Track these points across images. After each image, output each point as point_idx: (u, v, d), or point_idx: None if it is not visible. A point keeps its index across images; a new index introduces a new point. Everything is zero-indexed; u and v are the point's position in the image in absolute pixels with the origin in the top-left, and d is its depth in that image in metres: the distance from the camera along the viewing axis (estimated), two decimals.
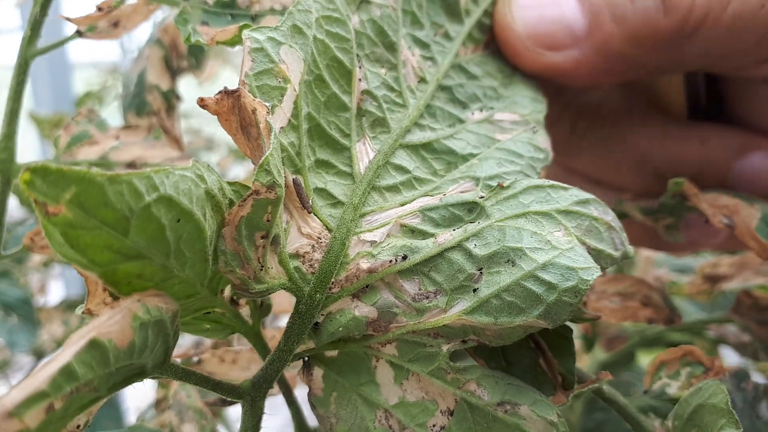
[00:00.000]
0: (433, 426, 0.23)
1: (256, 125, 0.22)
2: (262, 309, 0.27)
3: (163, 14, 0.44)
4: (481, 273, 0.23)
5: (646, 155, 0.34)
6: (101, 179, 0.16)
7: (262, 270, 0.22)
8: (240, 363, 0.35)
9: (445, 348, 0.23)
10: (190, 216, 0.19)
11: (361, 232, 0.25)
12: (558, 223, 0.24)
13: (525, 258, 0.22)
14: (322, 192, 0.25)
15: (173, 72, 0.41)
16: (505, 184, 0.25)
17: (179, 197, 0.18)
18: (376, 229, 0.25)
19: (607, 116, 0.35)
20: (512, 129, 0.28)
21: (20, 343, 0.73)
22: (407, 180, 0.26)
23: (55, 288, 1.26)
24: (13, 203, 0.46)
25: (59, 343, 0.83)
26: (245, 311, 0.26)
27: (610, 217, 0.24)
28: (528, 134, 0.28)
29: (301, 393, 0.28)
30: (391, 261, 0.24)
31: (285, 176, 0.24)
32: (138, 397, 0.36)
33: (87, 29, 0.34)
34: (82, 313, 0.21)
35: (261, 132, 0.21)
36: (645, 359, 0.65)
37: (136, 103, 0.38)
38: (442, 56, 0.29)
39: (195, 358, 0.34)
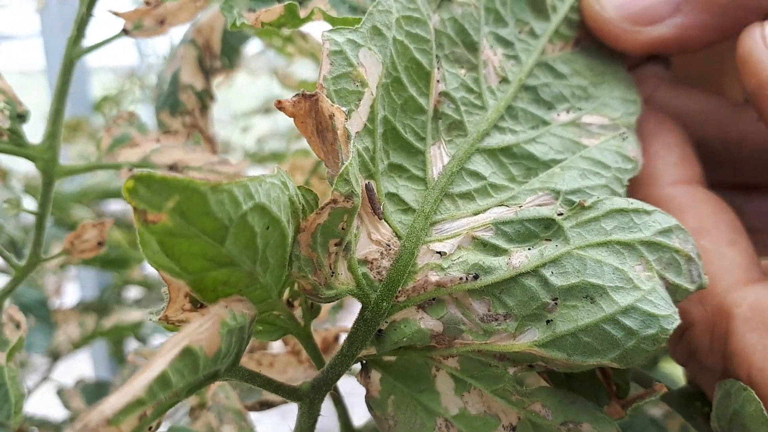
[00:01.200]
0: None
1: (333, 130, 0.22)
2: (312, 311, 0.27)
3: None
4: (555, 303, 0.22)
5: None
6: (204, 188, 0.16)
7: (332, 276, 0.22)
8: (277, 366, 0.35)
9: (511, 371, 0.23)
10: (278, 223, 0.19)
11: (430, 242, 0.24)
12: (640, 256, 0.23)
13: (606, 298, 0.22)
14: (393, 197, 0.25)
15: (207, 72, 0.41)
16: (586, 203, 0.24)
17: (270, 205, 0.19)
18: (447, 239, 0.24)
19: None
20: (600, 134, 0.27)
21: (37, 344, 0.74)
22: (482, 187, 0.26)
23: (71, 290, 1.26)
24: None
25: (75, 345, 0.83)
26: (297, 313, 0.27)
27: (690, 246, 0.23)
28: (617, 141, 0.27)
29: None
30: (461, 278, 0.24)
31: (359, 179, 0.23)
32: None
33: (133, 27, 0.34)
34: (159, 320, 0.21)
35: (338, 137, 0.21)
36: (667, 365, 0.65)
37: (170, 102, 0.38)
38: (526, 54, 0.28)
39: None
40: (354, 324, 0.24)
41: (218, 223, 0.17)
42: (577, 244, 0.23)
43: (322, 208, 0.21)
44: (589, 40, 0.30)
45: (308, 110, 0.22)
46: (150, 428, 0.20)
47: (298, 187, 0.23)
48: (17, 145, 0.35)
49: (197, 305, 0.20)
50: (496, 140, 0.26)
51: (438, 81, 0.26)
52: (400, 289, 0.24)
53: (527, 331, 0.22)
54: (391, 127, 0.25)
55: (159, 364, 0.16)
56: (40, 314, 0.73)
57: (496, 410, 0.23)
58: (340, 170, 0.21)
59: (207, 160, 0.37)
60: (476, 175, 0.26)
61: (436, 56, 0.26)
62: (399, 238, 0.24)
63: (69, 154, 0.98)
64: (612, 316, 0.22)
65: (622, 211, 0.23)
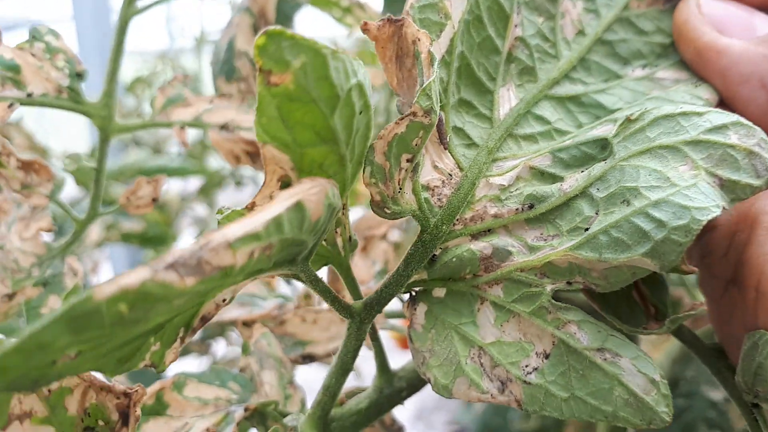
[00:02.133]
0: (526, 366, 0.23)
1: (413, 56, 0.23)
2: (351, 244, 0.28)
3: None
4: (596, 214, 0.23)
5: None
6: (326, 51, 0.17)
7: (399, 192, 0.24)
8: (320, 323, 0.37)
9: (548, 288, 0.24)
10: (368, 109, 0.21)
11: (491, 176, 0.26)
12: (684, 156, 0.23)
13: (639, 197, 0.22)
14: (459, 132, 0.26)
15: None
16: (633, 116, 0.24)
17: (366, 87, 0.20)
18: (506, 173, 0.26)
19: None
20: (672, 87, 0.27)
21: None
22: (547, 131, 0.27)
23: (105, 270, 1.29)
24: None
25: None
26: (339, 242, 0.28)
27: (755, 140, 0.23)
28: (688, 87, 0.27)
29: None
30: (517, 209, 0.25)
31: None
32: None
33: None
34: (246, 207, 0.22)
35: (421, 62, 0.23)
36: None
37: (226, 69, 0.40)
38: (607, 9, 0.28)
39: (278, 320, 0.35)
40: (412, 246, 0.26)
41: (333, 90, 0.18)
42: (622, 155, 0.23)
43: (402, 118, 0.22)
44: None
45: (391, 35, 0.23)
46: (224, 300, 0.21)
47: None
48: (76, 101, 0.37)
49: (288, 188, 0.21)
50: (566, 89, 0.27)
51: (516, 25, 0.27)
52: (458, 217, 0.25)
53: (567, 242, 0.23)
54: (466, 63, 0.26)
55: (277, 208, 0.17)
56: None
57: (532, 336, 0.24)
58: (424, 85, 0.22)
59: None
60: (542, 120, 0.27)
61: (517, 2, 0.27)
62: (461, 169, 0.26)
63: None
64: (642, 209, 0.22)
65: (668, 117, 0.23)
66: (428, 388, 0.26)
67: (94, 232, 0.89)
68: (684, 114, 0.23)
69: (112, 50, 0.38)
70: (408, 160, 0.23)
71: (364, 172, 0.23)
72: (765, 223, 0.24)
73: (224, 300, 0.21)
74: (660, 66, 0.28)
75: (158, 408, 0.33)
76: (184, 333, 0.21)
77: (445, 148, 0.26)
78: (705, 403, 0.41)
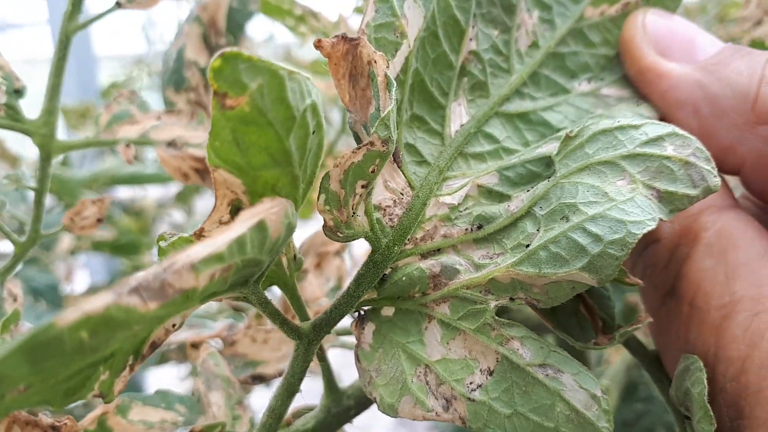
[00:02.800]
0: (471, 383, 0.24)
1: (368, 77, 0.23)
2: (296, 263, 0.28)
3: None
4: (538, 231, 0.24)
5: None
6: (284, 72, 0.17)
7: (353, 216, 0.24)
8: (270, 343, 0.37)
9: (493, 304, 0.24)
10: (320, 128, 0.20)
11: (441, 195, 0.26)
12: (622, 170, 0.23)
13: (577, 212, 0.23)
14: (410, 148, 0.26)
15: (212, 49, 0.42)
16: (572, 133, 0.24)
17: (319, 107, 0.20)
18: (456, 191, 0.26)
19: None
20: (616, 105, 0.28)
21: None
22: (495, 149, 0.27)
23: (82, 277, 1.26)
24: None
25: None
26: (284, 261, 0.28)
27: (690, 150, 0.23)
28: (631, 105, 0.28)
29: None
30: (466, 230, 0.25)
31: None
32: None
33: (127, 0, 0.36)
34: (194, 233, 0.21)
35: (377, 85, 0.23)
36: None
37: (175, 78, 0.40)
38: (562, 20, 0.28)
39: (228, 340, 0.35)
40: (363, 266, 0.26)
41: (290, 112, 0.18)
42: (563, 173, 0.24)
43: (359, 148, 0.22)
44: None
45: (345, 53, 0.23)
46: (174, 326, 0.21)
47: None
48: (14, 120, 0.35)
49: (236, 216, 0.21)
50: (515, 105, 0.28)
51: (471, 39, 0.27)
52: (408, 237, 0.26)
53: (510, 259, 0.24)
54: (420, 79, 0.26)
55: (240, 228, 0.17)
56: (51, 299, 0.77)
57: (477, 354, 0.24)
58: (382, 114, 0.22)
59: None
60: (491, 138, 0.27)
61: (474, 14, 0.27)
62: (412, 188, 0.26)
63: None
64: (579, 225, 0.22)
65: (605, 132, 0.24)
66: None
67: (65, 241, 0.87)
68: (621, 128, 0.24)
69: (52, 66, 0.37)
70: (363, 186, 0.23)
71: (318, 199, 0.23)
72: (705, 239, 0.25)
73: (174, 325, 0.21)
74: (605, 80, 0.29)
75: None
76: (134, 360, 0.21)
77: (399, 166, 0.26)
78: (663, 407, 0.43)
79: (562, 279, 0.23)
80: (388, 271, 0.26)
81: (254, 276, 0.21)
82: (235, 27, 0.44)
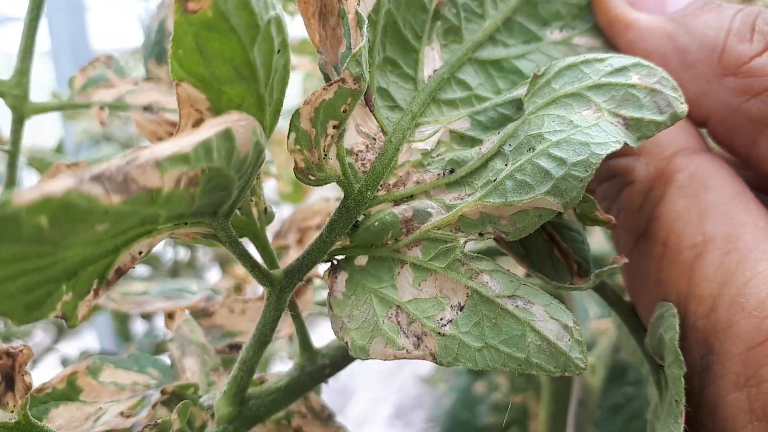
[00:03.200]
0: (441, 319, 0.24)
1: (338, 15, 0.23)
2: (267, 216, 0.28)
3: None
4: (506, 166, 0.24)
5: None
6: None
7: (324, 158, 0.24)
8: (248, 314, 0.36)
9: (462, 240, 0.24)
10: (286, 48, 0.20)
11: (413, 141, 0.26)
12: (588, 101, 0.23)
13: (543, 141, 0.23)
14: (383, 93, 0.26)
15: None
16: (539, 72, 0.25)
17: (284, 24, 0.20)
18: (428, 137, 0.26)
19: None
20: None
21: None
22: (467, 96, 0.27)
23: None
24: None
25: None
26: (255, 212, 0.27)
27: (655, 79, 0.23)
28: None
29: None
30: (439, 174, 0.25)
31: None
32: None
33: None
34: None
35: (348, 23, 0.23)
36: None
37: (156, 51, 0.39)
38: None
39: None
40: (335, 212, 0.25)
41: (253, 18, 0.18)
42: (530, 110, 0.24)
43: (330, 84, 0.22)
44: None
45: None
46: (140, 253, 0.21)
47: None
48: None
49: None
50: (488, 52, 0.28)
51: None
52: (381, 183, 0.26)
53: (478, 194, 0.24)
54: (392, 21, 0.26)
55: (206, 132, 0.16)
56: None
57: (447, 291, 0.24)
58: (354, 51, 0.22)
59: None
60: (464, 84, 0.27)
61: None
62: (385, 133, 0.26)
63: (74, 131, 0.98)
64: (544, 151, 0.23)
65: (571, 67, 0.24)
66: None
67: None
68: (586, 62, 0.24)
69: (24, 26, 0.37)
70: (335, 127, 0.23)
71: (288, 138, 0.23)
72: (678, 181, 0.25)
73: (140, 252, 0.21)
74: (576, 29, 0.29)
75: (70, 393, 0.31)
76: (98, 285, 0.20)
77: (371, 110, 0.26)
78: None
79: (528, 206, 0.23)
80: (360, 218, 0.26)
81: (223, 205, 0.21)
82: None
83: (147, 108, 0.37)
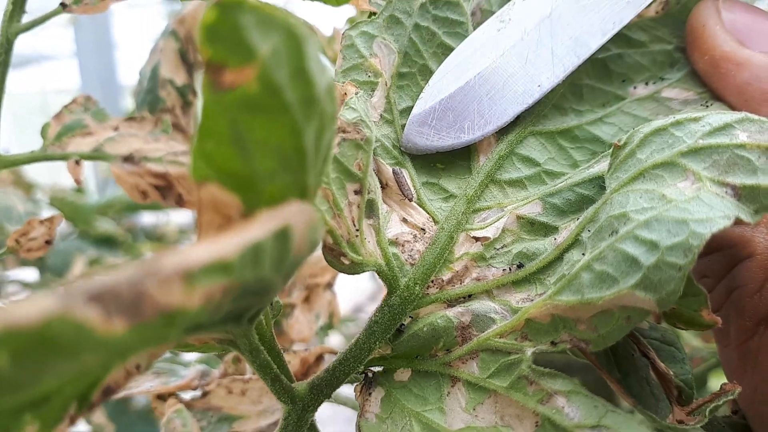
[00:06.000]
0: None
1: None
2: (273, 308, 0.23)
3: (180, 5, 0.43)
4: (583, 256, 0.19)
5: None
6: (302, 30, 0.12)
7: (357, 235, 0.21)
8: (249, 395, 0.32)
9: (529, 351, 0.20)
10: (333, 121, 0.16)
11: (472, 229, 0.23)
12: (683, 170, 0.19)
13: (628, 222, 0.18)
14: (433, 186, 0.24)
15: (189, 66, 0.38)
16: (621, 141, 0.21)
17: (335, 90, 0.15)
18: (490, 224, 0.23)
19: None
20: (680, 109, 0.24)
21: None
22: (535, 174, 0.24)
23: None
24: None
25: None
26: None
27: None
28: (697, 108, 0.24)
29: None
30: (504, 270, 0.22)
31: (382, 166, 0.23)
32: None
33: (73, 1, 0.33)
34: None
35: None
36: (717, 382, 0.61)
37: (149, 99, 0.35)
38: None
39: (199, 391, 0.30)
40: (376, 311, 0.22)
41: (310, 90, 0.13)
42: (613, 187, 0.20)
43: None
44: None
45: None
46: (138, 367, 0.17)
47: None
48: None
49: None
50: (555, 122, 0.24)
51: None
52: (433, 278, 0.22)
53: (549, 293, 0.20)
54: None
55: (257, 232, 0.12)
56: None
57: (510, 419, 0.20)
58: (345, 101, 0.21)
59: (170, 149, 0.34)
60: (529, 161, 0.24)
61: None
62: (436, 222, 0.23)
63: (98, 168, 0.97)
64: (629, 233, 0.18)
65: (659, 131, 0.20)
66: None
67: (77, 267, 0.83)
68: (677, 123, 0.20)
69: None
70: (355, 192, 0.21)
71: None
72: None
73: (138, 366, 0.17)
74: (666, 80, 0.25)
75: None
76: (77, 409, 0.16)
77: (411, 200, 0.23)
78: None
79: (612, 305, 0.18)
80: (407, 321, 0.22)
81: (251, 310, 0.17)
82: None
83: (127, 159, 0.33)
